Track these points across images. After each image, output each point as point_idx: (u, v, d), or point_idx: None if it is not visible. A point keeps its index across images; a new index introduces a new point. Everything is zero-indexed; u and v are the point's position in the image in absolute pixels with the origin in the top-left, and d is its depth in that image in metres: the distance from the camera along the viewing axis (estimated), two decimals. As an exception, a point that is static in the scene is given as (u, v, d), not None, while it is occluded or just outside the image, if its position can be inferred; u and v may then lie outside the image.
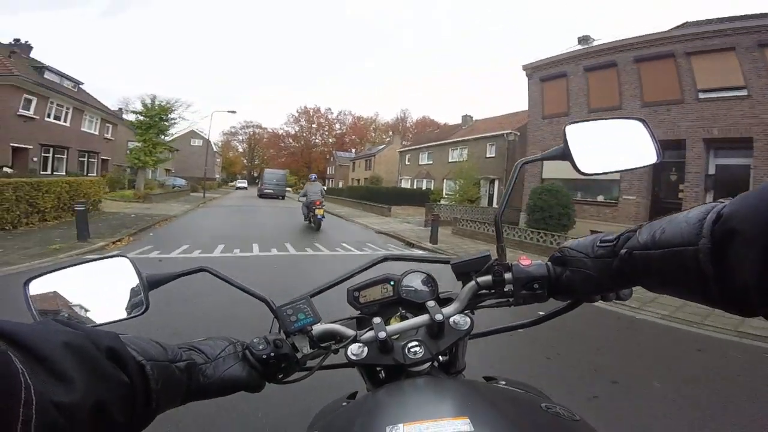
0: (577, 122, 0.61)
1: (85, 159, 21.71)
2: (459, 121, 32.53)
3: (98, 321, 0.55)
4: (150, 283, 0.60)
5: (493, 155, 22.75)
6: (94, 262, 0.61)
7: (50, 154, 18.55)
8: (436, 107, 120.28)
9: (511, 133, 22.27)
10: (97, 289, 0.58)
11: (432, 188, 26.83)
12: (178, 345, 0.50)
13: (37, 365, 0.28)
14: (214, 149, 58.81)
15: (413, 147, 32.57)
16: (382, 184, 32.89)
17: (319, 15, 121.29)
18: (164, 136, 18.54)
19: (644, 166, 0.62)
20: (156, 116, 17.77)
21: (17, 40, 19.63)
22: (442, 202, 23.15)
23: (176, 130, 19.99)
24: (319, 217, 10.58)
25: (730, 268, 0.33)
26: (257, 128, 69.84)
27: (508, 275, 0.57)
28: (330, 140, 66.30)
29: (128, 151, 18.37)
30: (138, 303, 0.59)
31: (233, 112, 29.92)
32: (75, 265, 0.59)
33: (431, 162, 28.68)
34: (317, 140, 66.71)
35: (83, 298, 0.56)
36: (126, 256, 0.62)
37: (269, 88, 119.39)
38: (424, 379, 0.53)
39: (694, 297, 0.38)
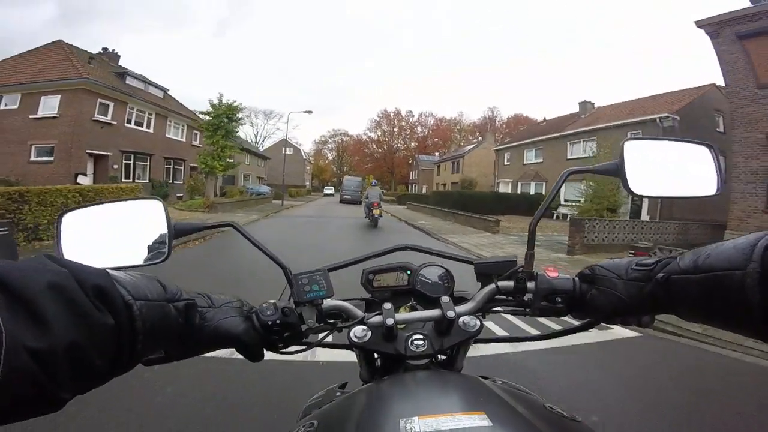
0: (638, 139, 0.59)
1: (171, 166, 21.50)
2: (562, 112, 26.01)
3: (116, 264, 0.52)
4: (177, 231, 0.59)
5: (640, 147, 16.48)
6: (127, 202, 0.61)
7: (131, 161, 18.24)
8: (528, 104, 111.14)
9: (668, 116, 15.85)
10: (125, 230, 0.59)
11: (544, 193, 21.18)
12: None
13: (17, 307, 0.27)
14: (303, 157, 60.19)
15: (515, 143, 26.95)
16: (476, 189, 28.00)
17: (319, 15, 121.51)
18: (234, 138, 16.79)
19: (700, 197, 0.59)
20: (222, 116, 16.05)
21: (105, 49, 19.91)
22: (561, 210, 17.72)
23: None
24: (376, 216, 12.43)
25: None
26: (344, 136, 70.46)
27: (530, 284, 0.57)
28: (412, 144, 63.20)
29: (198, 156, 17.00)
30: (161, 251, 0.58)
31: (309, 112, 28.30)
32: (109, 202, 0.62)
33: (541, 160, 23.01)
34: (399, 145, 64.30)
35: (109, 237, 0.57)
36: (160, 200, 0.61)
37: (273, 89, 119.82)
38: (429, 373, 0.51)
39: (732, 326, 0.37)
